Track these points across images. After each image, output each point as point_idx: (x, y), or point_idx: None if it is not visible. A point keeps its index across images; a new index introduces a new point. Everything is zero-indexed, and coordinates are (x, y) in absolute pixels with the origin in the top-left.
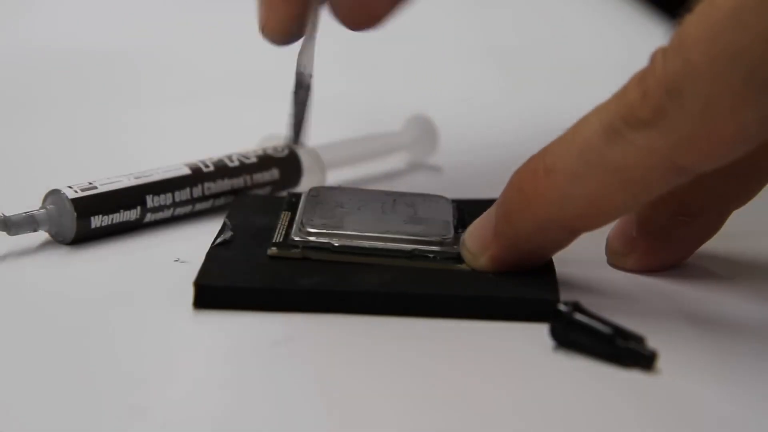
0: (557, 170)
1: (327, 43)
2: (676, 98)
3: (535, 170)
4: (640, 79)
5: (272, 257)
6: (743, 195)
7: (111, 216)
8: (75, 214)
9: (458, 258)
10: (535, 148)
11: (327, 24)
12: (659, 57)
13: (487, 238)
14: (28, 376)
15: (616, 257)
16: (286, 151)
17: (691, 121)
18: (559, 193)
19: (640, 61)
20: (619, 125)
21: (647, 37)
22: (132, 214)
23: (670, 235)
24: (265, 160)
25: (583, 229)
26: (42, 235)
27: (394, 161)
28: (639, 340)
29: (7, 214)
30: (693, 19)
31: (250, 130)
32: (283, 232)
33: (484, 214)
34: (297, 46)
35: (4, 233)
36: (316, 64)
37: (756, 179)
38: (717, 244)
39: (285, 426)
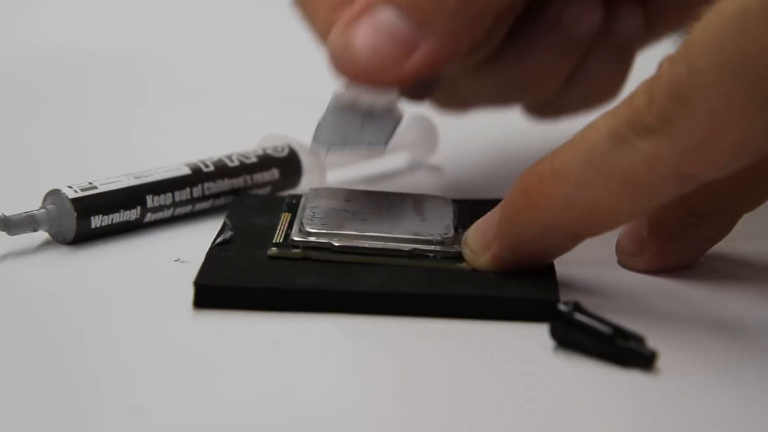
0: (563, 174)
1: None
2: (682, 106)
3: (542, 173)
4: (648, 85)
5: (272, 257)
6: (754, 199)
7: (111, 216)
8: (75, 214)
9: (458, 257)
10: (534, 148)
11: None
12: (666, 64)
13: (489, 238)
14: (27, 376)
15: (626, 258)
16: (286, 151)
17: (696, 129)
18: (565, 197)
19: (646, 66)
20: (625, 131)
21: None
22: (132, 214)
23: (680, 237)
24: (265, 160)
25: (586, 235)
26: (42, 235)
27: (394, 161)
28: (639, 340)
29: (7, 214)
30: (699, 27)
31: (250, 130)
32: (283, 233)
33: (489, 213)
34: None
35: (4, 233)
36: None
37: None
38: (724, 245)
39: (285, 426)
